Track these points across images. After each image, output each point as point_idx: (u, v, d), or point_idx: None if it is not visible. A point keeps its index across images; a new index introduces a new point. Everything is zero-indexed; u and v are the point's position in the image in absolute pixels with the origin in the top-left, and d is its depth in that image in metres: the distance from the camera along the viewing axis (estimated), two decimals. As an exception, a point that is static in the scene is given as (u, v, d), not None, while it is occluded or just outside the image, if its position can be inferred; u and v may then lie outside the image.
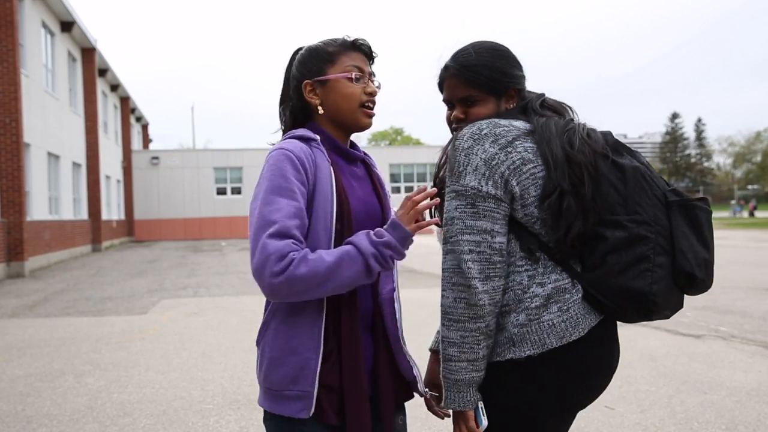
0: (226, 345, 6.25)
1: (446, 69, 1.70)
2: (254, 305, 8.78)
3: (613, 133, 1.67)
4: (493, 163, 1.52)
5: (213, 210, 32.08)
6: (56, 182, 18.63)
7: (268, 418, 1.62)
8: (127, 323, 7.60)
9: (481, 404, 1.54)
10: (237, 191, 32.38)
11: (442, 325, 1.54)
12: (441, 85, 1.74)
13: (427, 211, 1.67)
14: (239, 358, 5.68)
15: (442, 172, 1.68)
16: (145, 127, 39.88)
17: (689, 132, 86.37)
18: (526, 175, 1.52)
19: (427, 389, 1.81)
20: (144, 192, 31.44)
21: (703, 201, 1.56)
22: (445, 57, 1.72)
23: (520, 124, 1.60)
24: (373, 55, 1.72)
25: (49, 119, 17.87)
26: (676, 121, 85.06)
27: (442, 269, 1.55)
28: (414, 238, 1.56)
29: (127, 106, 31.21)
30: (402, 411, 1.76)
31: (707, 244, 1.54)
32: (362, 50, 1.69)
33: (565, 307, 1.50)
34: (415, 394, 1.79)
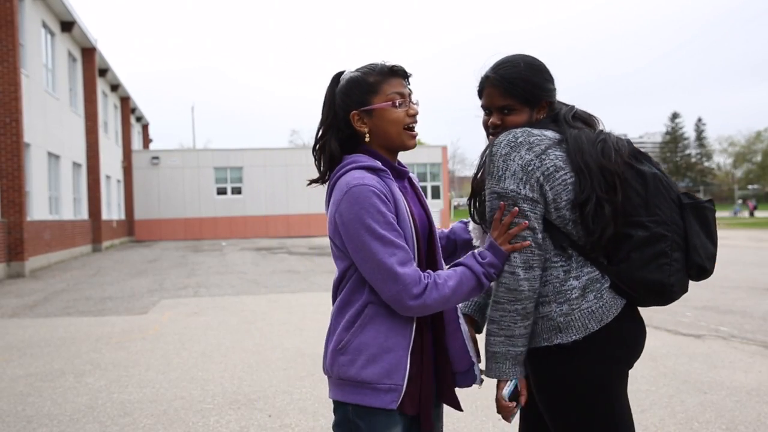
0: (226, 345, 6.25)
1: (487, 78, 1.88)
2: (254, 305, 8.79)
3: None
4: (530, 168, 1.73)
5: (213, 210, 32.05)
6: (56, 182, 18.63)
7: (354, 412, 1.73)
8: (127, 323, 7.60)
9: (514, 382, 1.79)
10: (237, 191, 32.35)
11: (489, 305, 1.81)
12: (480, 93, 1.92)
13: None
14: (239, 357, 5.69)
15: (480, 174, 1.88)
16: (145, 127, 39.89)
17: (689, 132, 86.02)
18: (558, 182, 1.73)
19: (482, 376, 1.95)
20: (144, 192, 31.41)
21: (710, 203, 1.80)
22: (487, 66, 1.90)
23: (551, 134, 1.80)
24: (409, 75, 1.85)
25: (50, 119, 17.87)
26: (677, 120, 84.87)
27: None
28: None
29: (127, 106, 31.21)
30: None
31: (714, 240, 1.78)
32: (399, 74, 1.82)
33: (600, 295, 1.74)
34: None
